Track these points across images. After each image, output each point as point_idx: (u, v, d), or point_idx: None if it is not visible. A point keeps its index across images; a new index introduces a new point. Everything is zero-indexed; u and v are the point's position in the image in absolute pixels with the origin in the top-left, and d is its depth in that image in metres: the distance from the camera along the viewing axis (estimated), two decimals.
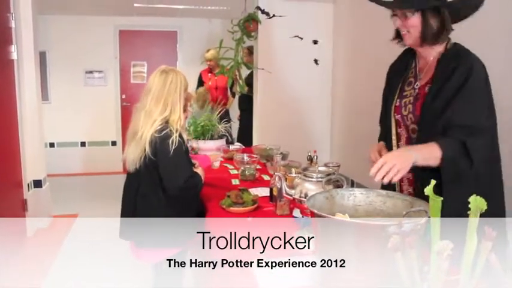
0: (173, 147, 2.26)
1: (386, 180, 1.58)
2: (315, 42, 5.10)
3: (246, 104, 5.82)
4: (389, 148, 1.94)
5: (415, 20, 1.78)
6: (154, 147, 2.29)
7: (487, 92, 1.75)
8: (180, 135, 2.33)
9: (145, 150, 2.29)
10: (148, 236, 2.37)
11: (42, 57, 6.10)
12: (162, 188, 2.36)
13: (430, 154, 1.68)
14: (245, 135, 5.79)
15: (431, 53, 1.87)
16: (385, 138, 2.04)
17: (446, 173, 1.67)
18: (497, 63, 2.48)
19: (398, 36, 1.92)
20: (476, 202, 0.95)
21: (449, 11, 1.76)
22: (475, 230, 0.98)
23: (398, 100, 1.96)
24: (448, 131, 1.72)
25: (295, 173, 2.05)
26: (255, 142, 5.22)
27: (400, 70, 2.01)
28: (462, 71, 1.73)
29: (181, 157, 2.34)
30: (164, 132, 2.29)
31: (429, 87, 1.83)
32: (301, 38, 4.98)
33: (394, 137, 1.95)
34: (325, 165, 2.42)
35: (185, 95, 2.43)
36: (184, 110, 2.47)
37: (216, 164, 2.95)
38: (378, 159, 1.68)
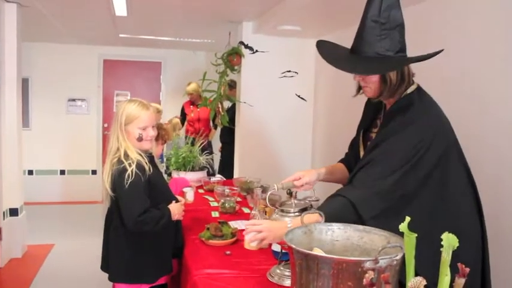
0: (129, 181, 2.20)
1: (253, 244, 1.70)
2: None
3: (228, 136, 5.85)
4: None
5: (374, 77, 1.79)
6: (113, 183, 2.26)
7: (409, 154, 1.67)
8: (140, 168, 2.25)
9: (107, 186, 2.28)
10: (119, 270, 2.34)
11: (24, 84, 6.07)
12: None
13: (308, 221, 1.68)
14: (226, 168, 5.79)
15: (390, 101, 1.87)
16: (348, 162, 2.14)
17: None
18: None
19: (360, 88, 1.94)
20: (449, 239, 0.97)
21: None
22: (447, 266, 0.99)
23: (364, 140, 2.01)
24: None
25: (274, 208, 2.03)
26: (236, 174, 5.22)
27: (375, 108, 2.02)
28: (393, 125, 1.76)
29: (137, 191, 2.23)
30: (122, 166, 2.24)
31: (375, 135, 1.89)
32: (296, 73, 5.07)
33: None
34: (305, 199, 2.43)
35: (140, 125, 2.32)
36: (157, 144, 2.45)
37: (189, 198, 2.83)
38: (298, 178, 1.94)
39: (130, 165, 2.23)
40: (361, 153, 2.01)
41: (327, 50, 1.97)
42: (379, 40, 1.72)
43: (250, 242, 1.73)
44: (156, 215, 2.26)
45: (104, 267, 2.45)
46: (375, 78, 1.79)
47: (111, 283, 2.45)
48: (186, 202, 2.69)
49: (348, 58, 1.84)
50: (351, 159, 2.15)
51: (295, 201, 1.92)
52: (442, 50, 1.71)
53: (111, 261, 2.37)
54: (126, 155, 2.28)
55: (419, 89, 1.82)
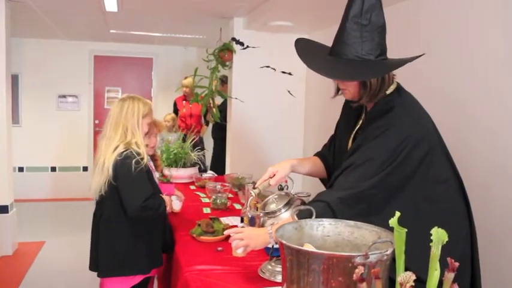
0: (133, 167, 2.27)
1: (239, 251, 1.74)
2: (290, 73, 5.17)
3: (219, 132, 5.83)
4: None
5: (352, 84, 1.75)
6: (115, 170, 2.29)
7: (390, 158, 1.64)
8: (142, 159, 2.33)
9: (107, 176, 2.29)
10: (110, 264, 2.34)
11: (14, 80, 6.03)
12: (124, 211, 2.33)
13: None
14: (218, 164, 5.78)
15: (370, 104, 1.83)
16: (324, 157, 2.16)
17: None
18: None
19: (339, 89, 1.88)
20: (438, 234, 0.97)
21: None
22: (437, 261, 0.99)
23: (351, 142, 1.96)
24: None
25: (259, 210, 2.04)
26: (227, 171, 5.22)
27: (356, 110, 1.95)
28: (373, 129, 1.71)
29: (142, 177, 2.33)
30: (125, 154, 2.30)
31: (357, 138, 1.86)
32: (274, 69, 5.06)
33: None
34: (296, 194, 2.43)
35: (147, 121, 2.46)
36: (149, 136, 2.52)
37: (176, 207, 2.79)
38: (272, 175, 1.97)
39: (133, 153, 2.30)
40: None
41: (306, 51, 1.90)
42: (360, 43, 1.67)
43: (236, 250, 1.74)
44: (159, 201, 2.36)
45: (93, 266, 2.44)
46: (354, 82, 1.74)
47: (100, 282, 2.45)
48: (173, 211, 2.69)
49: (327, 61, 1.78)
50: (327, 155, 2.15)
51: (276, 197, 1.94)
52: (423, 54, 1.69)
53: (102, 255, 2.36)
54: (130, 146, 2.34)
55: (399, 88, 1.78)
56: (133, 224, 2.34)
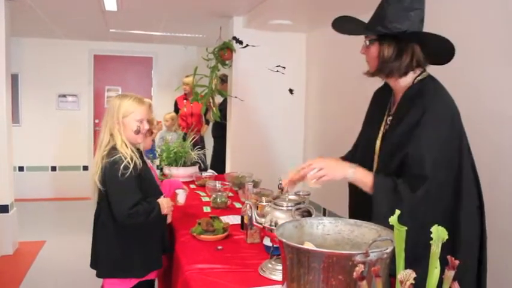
0: (121, 172, 2.22)
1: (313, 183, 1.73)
2: (282, 68, 5.17)
3: (220, 130, 5.83)
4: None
5: (372, 49, 1.82)
6: (104, 175, 2.26)
7: (445, 135, 1.69)
8: (131, 162, 2.27)
9: (98, 179, 2.28)
10: (107, 265, 2.34)
11: (14, 80, 6.02)
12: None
13: (362, 177, 1.76)
14: (218, 163, 5.78)
15: (398, 87, 1.87)
16: (351, 157, 2.08)
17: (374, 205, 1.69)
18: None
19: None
20: (438, 232, 0.97)
21: (417, 44, 1.76)
22: (437, 259, 0.99)
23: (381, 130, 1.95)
24: (403, 169, 1.73)
25: (266, 202, 2.05)
26: (227, 169, 5.22)
27: (383, 99, 1.99)
28: (417, 110, 1.72)
29: (129, 183, 2.25)
30: (112, 158, 2.25)
31: (390, 123, 1.87)
32: (284, 67, 5.06)
33: (375, 164, 1.93)
34: (296, 193, 2.43)
35: (136, 117, 2.36)
36: (144, 135, 2.47)
37: (180, 200, 2.79)
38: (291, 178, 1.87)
39: (121, 158, 2.25)
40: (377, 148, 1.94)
41: (342, 24, 1.97)
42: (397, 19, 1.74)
43: (312, 179, 1.74)
44: (147, 208, 2.29)
45: (93, 264, 2.44)
46: (374, 53, 1.81)
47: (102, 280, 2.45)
48: (177, 204, 2.68)
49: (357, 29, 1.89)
50: (351, 160, 2.08)
51: (289, 196, 1.93)
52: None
53: (100, 257, 2.36)
54: (118, 149, 2.29)
55: (431, 76, 1.82)
56: (127, 228, 2.30)
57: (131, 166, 2.25)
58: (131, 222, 2.26)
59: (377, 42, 1.80)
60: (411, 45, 1.76)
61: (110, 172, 2.24)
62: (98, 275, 2.38)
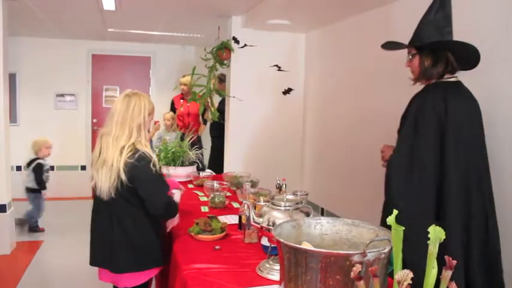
0: (153, 169, 2.27)
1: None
2: (279, 67, 5.15)
3: (218, 131, 5.83)
4: None
5: (414, 61, 2.21)
6: (131, 173, 2.24)
7: (418, 129, 2.10)
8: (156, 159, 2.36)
9: (119, 178, 2.24)
10: (128, 260, 2.31)
11: (11, 79, 6.01)
12: (136, 212, 2.32)
13: None
14: (216, 162, 5.78)
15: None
16: None
17: None
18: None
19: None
20: (435, 232, 0.97)
21: (450, 51, 2.11)
22: (434, 259, 1.00)
23: None
24: None
25: (264, 201, 2.05)
26: (225, 169, 5.21)
27: None
28: (411, 105, 2.18)
29: (162, 176, 2.40)
30: (138, 156, 2.25)
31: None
32: (279, 67, 5.05)
33: None
34: (294, 193, 2.44)
35: (150, 119, 2.42)
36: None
37: (176, 200, 2.82)
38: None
39: (148, 154, 2.29)
40: None
41: (389, 46, 2.38)
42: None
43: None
44: (174, 200, 2.46)
45: (94, 262, 2.42)
46: (416, 64, 2.21)
47: (100, 280, 2.44)
48: None
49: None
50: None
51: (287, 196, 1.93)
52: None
53: (118, 252, 2.32)
54: (142, 145, 2.32)
55: (456, 81, 2.17)
56: (148, 221, 2.34)
57: (158, 163, 2.35)
58: (167, 213, 2.41)
59: (417, 55, 2.19)
60: (445, 53, 2.12)
61: (140, 169, 2.25)
62: (116, 271, 2.34)
